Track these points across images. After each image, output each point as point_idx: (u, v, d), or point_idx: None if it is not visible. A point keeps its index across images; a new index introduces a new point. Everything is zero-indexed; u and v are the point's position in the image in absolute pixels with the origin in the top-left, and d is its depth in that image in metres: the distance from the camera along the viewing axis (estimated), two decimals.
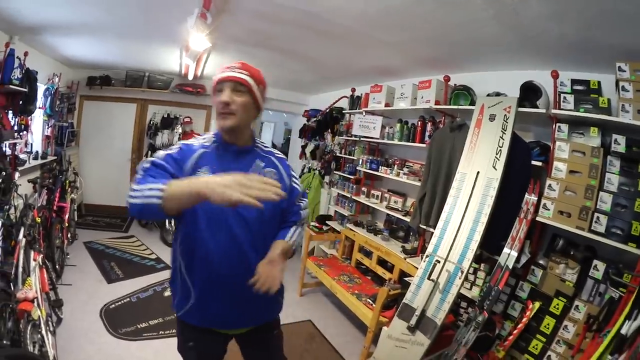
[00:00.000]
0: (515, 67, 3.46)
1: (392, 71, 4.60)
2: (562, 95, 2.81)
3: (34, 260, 2.99)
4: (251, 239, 1.59)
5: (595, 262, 2.52)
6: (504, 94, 3.20)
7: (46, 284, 3.14)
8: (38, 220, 3.55)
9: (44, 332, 2.60)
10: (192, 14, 3.14)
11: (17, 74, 3.96)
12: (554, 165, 2.80)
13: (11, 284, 2.60)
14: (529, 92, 3.04)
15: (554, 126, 2.90)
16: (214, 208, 1.28)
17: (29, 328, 2.35)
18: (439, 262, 2.95)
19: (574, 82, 2.80)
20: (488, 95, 3.29)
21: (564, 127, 2.84)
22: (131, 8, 3.47)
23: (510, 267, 2.81)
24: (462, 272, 2.80)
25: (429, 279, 2.92)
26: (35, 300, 2.49)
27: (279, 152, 1.84)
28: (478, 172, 3.02)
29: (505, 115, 2.97)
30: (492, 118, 3.06)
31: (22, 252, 2.87)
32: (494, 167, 2.93)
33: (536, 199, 2.86)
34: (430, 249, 3.09)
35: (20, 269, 2.76)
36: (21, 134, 4.53)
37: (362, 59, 4.32)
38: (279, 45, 4.21)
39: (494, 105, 3.08)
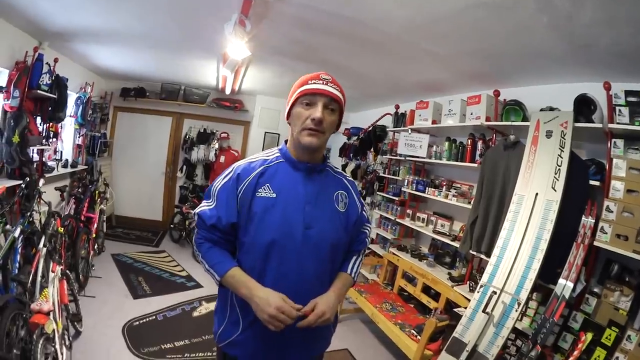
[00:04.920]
0: (566, 80, 3.25)
1: (439, 86, 4.39)
2: (617, 108, 2.61)
3: (53, 271, 2.85)
4: (319, 268, 1.44)
5: None
6: (557, 109, 3.03)
7: (65, 295, 3.00)
8: (61, 230, 3.41)
9: (57, 345, 2.48)
10: (230, 20, 3.00)
11: (46, 79, 3.90)
12: (611, 185, 2.59)
13: (27, 292, 2.50)
14: (583, 106, 2.86)
15: (609, 142, 2.69)
16: (284, 235, 1.36)
17: (41, 341, 2.21)
18: (495, 293, 2.73)
19: (627, 93, 2.58)
20: (541, 110, 3.12)
21: (620, 143, 2.64)
22: (163, 15, 3.33)
23: (567, 297, 2.57)
24: (519, 304, 2.59)
25: (483, 311, 2.69)
26: (50, 313, 2.35)
27: (349, 175, 1.72)
28: (537, 194, 2.83)
29: (563, 131, 2.81)
30: (548, 135, 2.90)
31: (41, 261, 2.74)
32: (554, 188, 2.75)
33: (593, 221, 2.63)
34: (485, 278, 2.88)
35: (39, 279, 2.66)
36: (50, 140, 4.47)
37: (408, 73, 4.11)
38: (321, 58, 4.02)
39: (550, 120, 2.92)
